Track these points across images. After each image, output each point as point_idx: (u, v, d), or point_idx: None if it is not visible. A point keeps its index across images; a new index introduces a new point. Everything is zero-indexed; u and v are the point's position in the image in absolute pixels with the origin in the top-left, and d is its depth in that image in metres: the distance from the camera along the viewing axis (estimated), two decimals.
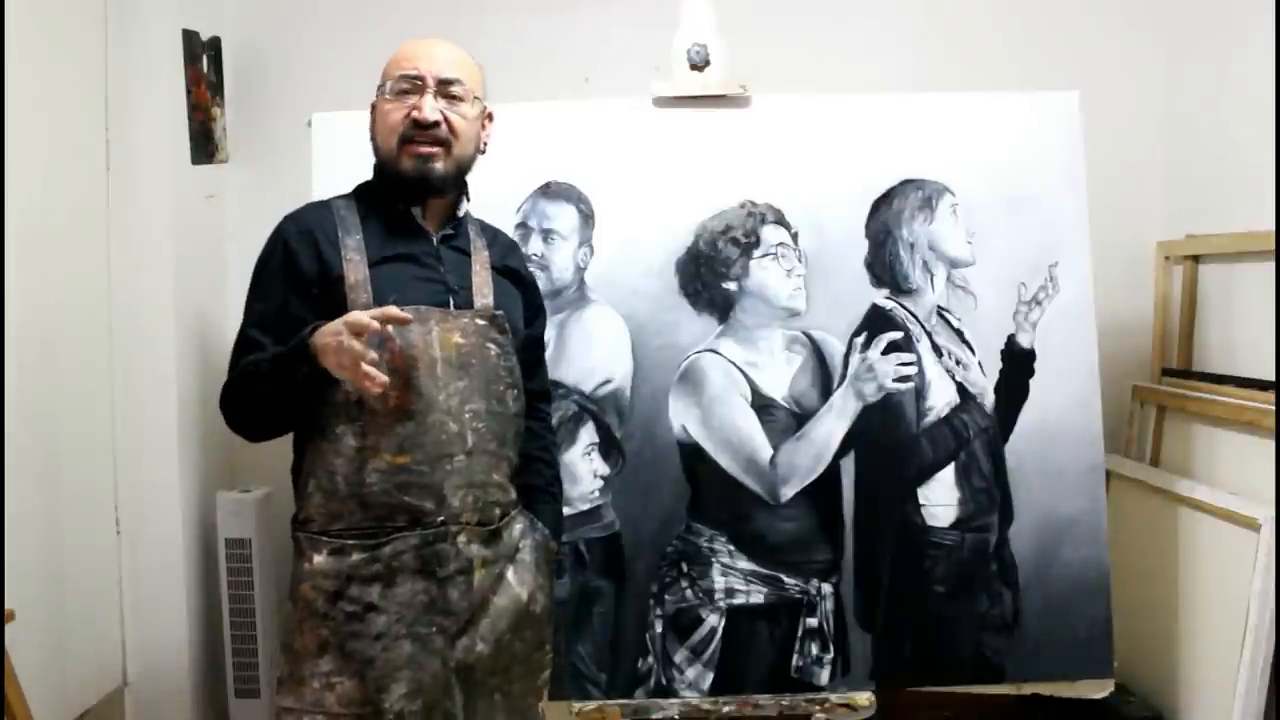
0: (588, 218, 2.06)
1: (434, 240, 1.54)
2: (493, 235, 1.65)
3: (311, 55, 2.63)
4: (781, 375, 2.03)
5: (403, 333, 1.42)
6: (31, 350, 2.00)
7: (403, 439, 1.42)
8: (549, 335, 2.00)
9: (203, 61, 2.50)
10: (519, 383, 1.56)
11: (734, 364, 2.02)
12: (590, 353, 2.02)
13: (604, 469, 2.00)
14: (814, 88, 2.19)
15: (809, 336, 2.04)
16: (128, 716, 2.36)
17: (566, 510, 1.99)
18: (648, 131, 2.08)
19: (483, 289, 1.54)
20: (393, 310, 1.31)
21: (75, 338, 2.21)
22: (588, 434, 2.01)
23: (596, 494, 2.00)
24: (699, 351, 2.03)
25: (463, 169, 1.54)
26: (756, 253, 2.05)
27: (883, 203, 2.07)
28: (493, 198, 2.01)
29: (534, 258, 2.03)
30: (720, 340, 2.03)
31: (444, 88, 1.49)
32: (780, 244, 2.05)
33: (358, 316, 1.29)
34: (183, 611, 2.39)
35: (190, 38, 2.45)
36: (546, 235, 2.04)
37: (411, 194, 1.51)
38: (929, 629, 2.01)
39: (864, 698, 1.99)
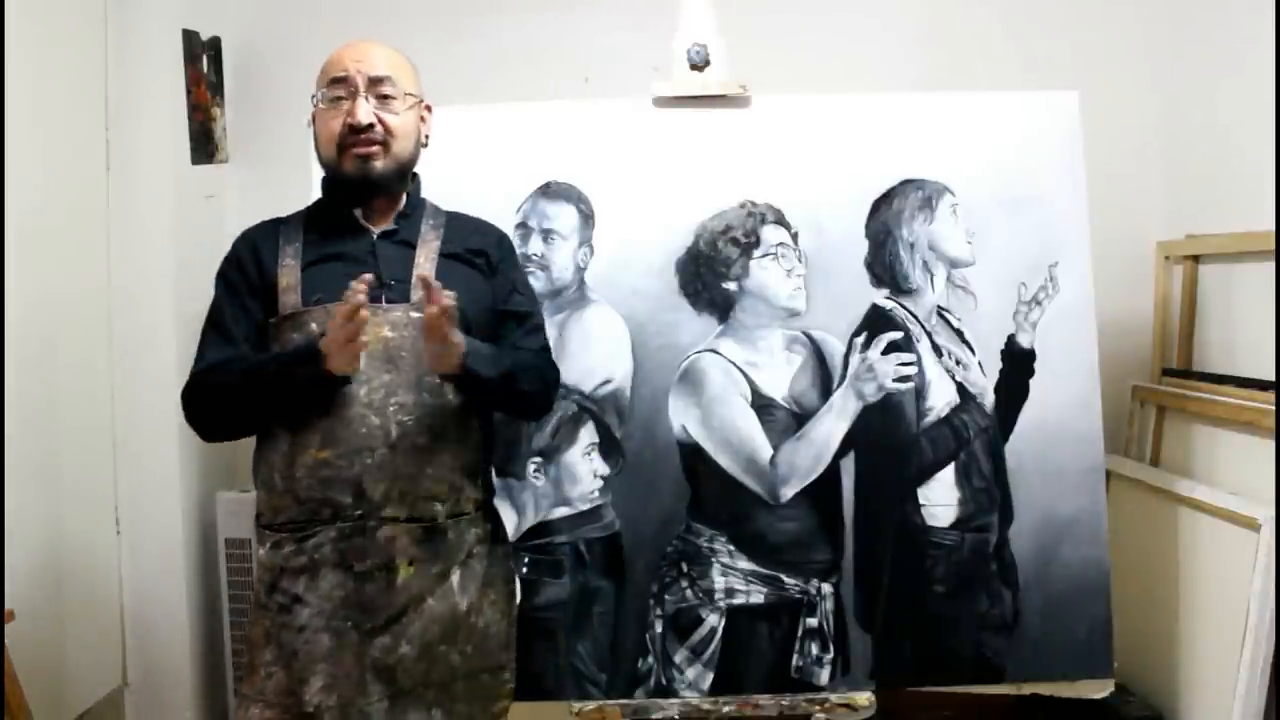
0: (588, 218, 2.05)
1: (373, 237, 1.55)
2: (454, 222, 1.62)
3: (311, 55, 2.58)
4: (781, 375, 2.03)
5: (326, 329, 1.43)
6: (31, 350, 2.01)
7: (324, 434, 1.45)
8: (549, 335, 2.01)
9: (203, 61, 2.51)
10: None
11: (734, 364, 2.02)
12: (590, 353, 2.02)
13: (604, 469, 2.00)
14: (814, 88, 2.19)
15: (809, 336, 2.04)
16: (128, 716, 2.36)
17: (566, 510, 2.00)
18: (648, 131, 2.08)
19: None
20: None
21: (75, 337, 2.21)
22: (588, 434, 2.01)
23: (596, 494, 2.00)
24: (699, 351, 2.03)
25: (404, 166, 1.56)
26: (756, 253, 2.04)
27: (883, 203, 2.06)
28: (493, 198, 2.03)
29: (534, 257, 2.03)
30: (720, 340, 2.03)
31: (374, 87, 1.52)
32: (780, 244, 2.05)
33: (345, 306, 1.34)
34: (183, 611, 2.39)
35: (190, 38, 2.45)
36: (546, 235, 2.04)
37: (355, 195, 1.54)
38: (929, 629, 2.01)
39: (864, 698, 1.98)
